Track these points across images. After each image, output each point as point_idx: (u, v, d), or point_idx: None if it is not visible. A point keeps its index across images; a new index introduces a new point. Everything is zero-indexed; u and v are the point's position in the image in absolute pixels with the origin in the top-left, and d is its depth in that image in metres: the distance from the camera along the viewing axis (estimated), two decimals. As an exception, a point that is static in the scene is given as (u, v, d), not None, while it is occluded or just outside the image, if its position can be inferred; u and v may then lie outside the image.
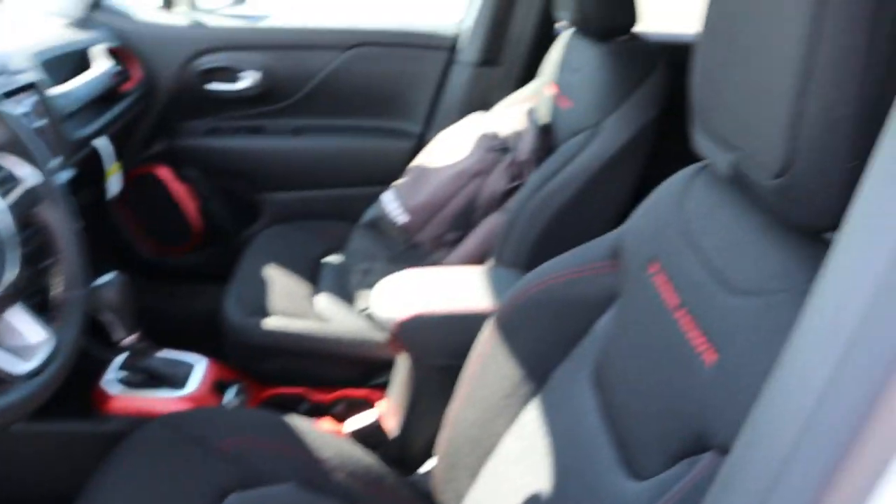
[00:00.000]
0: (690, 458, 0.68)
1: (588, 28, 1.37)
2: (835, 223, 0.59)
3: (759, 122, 0.62)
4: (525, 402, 0.98)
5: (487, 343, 1.02)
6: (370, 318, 1.50)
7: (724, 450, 0.61)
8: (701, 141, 0.78)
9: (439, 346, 1.14)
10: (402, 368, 1.26)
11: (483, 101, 1.89)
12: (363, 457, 1.10)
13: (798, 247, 0.64)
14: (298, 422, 1.11)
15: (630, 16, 1.34)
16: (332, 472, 1.05)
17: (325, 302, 1.53)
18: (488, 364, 1.02)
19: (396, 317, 1.13)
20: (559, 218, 1.27)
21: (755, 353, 0.62)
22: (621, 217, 1.35)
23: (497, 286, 1.20)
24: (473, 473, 1.02)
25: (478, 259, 1.44)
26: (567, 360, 0.95)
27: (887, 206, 0.40)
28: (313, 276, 1.64)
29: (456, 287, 1.20)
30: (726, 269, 0.70)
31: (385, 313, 1.16)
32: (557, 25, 1.92)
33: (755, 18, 0.63)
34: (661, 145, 1.34)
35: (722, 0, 0.70)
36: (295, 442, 1.08)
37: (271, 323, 1.41)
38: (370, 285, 1.50)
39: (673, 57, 1.40)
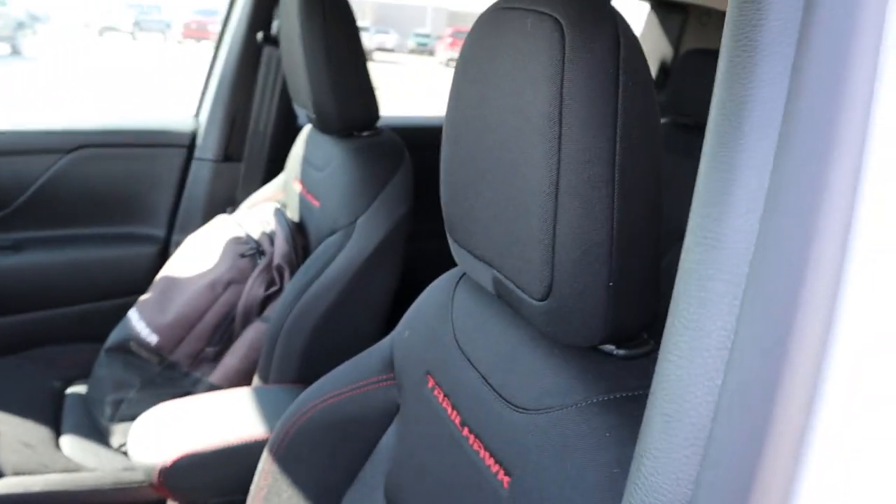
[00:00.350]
0: None
1: (328, 127, 1.37)
2: (602, 338, 0.63)
3: (519, 247, 0.64)
4: None
5: (267, 475, 0.96)
6: (129, 456, 1.34)
7: None
8: (459, 255, 0.79)
9: (212, 486, 1.05)
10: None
11: (227, 198, 1.82)
12: None
13: (571, 360, 0.67)
14: None
15: (372, 111, 1.36)
16: None
17: (72, 444, 1.34)
18: (271, 498, 0.95)
19: (159, 461, 1.02)
20: (325, 323, 1.24)
21: (547, 472, 0.63)
22: (389, 314, 1.35)
23: (268, 409, 1.13)
24: None
25: (243, 373, 1.35)
26: (356, 483, 0.92)
27: (700, 318, 0.42)
28: (55, 414, 1.44)
29: (223, 416, 1.11)
30: (504, 386, 0.71)
31: (146, 458, 1.04)
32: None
33: (501, 147, 0.65)
34: (416, 227, 1.37)
35: (465, 130, 0.72)
36: None
37: (2, 486, 1.20)
38: (125, 418, 1.36)
39: (417, 140, 1.45)
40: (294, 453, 0.95)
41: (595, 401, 0.63)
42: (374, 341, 1.34)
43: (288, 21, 1.33)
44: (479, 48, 0.69)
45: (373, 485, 0.91)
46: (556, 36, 0.57)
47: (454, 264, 0.83)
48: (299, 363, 1.24)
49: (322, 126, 1.36)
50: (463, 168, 0.72)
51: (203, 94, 1.85)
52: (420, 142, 1.50)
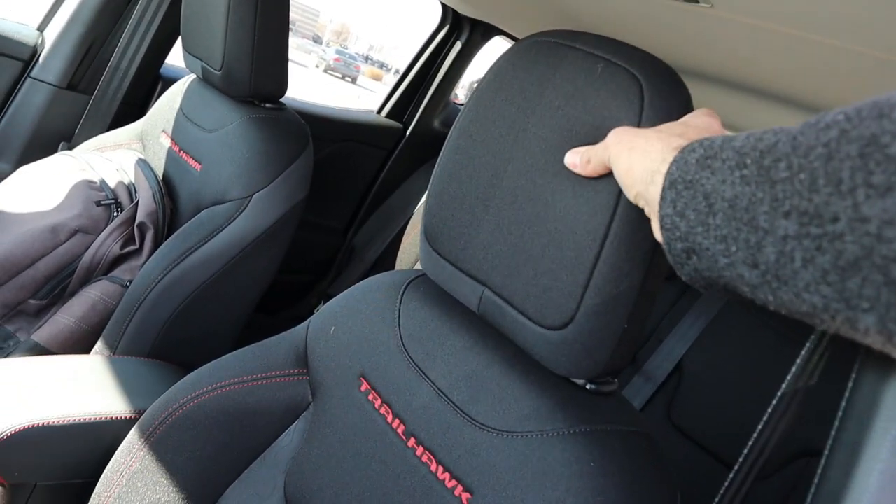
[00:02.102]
0: None
1: (234, 89, 1.25)
2: (599, 373, 0.65)
3: (536, 276, 0.64)
4: None
5: (133, 458, 0.85)
6: None
7: None
8: (436, 266, 0.77)
9: (52, 466, 0.89)
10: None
11: (62, 132, 1.58)
12: None
13: (548, 387, 0.68)
14: None
15: (282, 85, 1.26)
16: None
17: None
18: (135, 484, 0.84)
19: (-6, 431, 0.85)
20: (196, 299, 1.12)
21: (522, 494, 0.63)
22: (262, 298, 1.26)
23: (131, 383, 0.99)
24: None
25: (78, 337, 1.18)
26: (242, 481, 0.85)
27: None
28: None
29: (72, 385, 0.95)
30: (469, 403, 0.70)
31: (-26, 426, 0.86)
32: (166, 67, 1.73)
33: (534, 177, 0.65)
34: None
35: (483, 146, 0.71)
36: None
37: None
38: None
39: (315, 129, 1.37)
40: (173, 440, 0.85)
41: (578, 430, 0.64)
42: (240, 327, 1.24)
43: None
44: (525, 73, 0.68)
45: (264, 484, 0.84)
46: (635, 91, 0.59)
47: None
48: (156, 337, 1.11)
49: (226, 86, 1.24)
50: (471, 182, 0.71)
51: (55, 7, 1.59)
52: (313, 131, 1.43)
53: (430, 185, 0.77)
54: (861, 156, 0.34)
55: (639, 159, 0.52)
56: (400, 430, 0.74)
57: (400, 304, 0.82)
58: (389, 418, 0.75)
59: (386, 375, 0.78)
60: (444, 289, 0.77)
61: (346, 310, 0.86)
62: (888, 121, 0.33)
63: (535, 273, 0.65)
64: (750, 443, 0.51)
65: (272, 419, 0.85)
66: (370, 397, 0.78)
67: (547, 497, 0.62)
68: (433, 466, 0.70)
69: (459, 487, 0.67)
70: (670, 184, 0.47)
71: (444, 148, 0.76)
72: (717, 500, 0.53)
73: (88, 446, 0.91)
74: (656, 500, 0.63)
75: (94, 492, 0.85)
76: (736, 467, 0.52)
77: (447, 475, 0.68)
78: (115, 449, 0.86)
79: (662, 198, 0.47)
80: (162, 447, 0.84)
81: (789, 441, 0.51)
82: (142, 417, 0.87)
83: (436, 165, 0.77)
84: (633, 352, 0.68)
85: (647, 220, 0.60)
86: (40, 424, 0.88)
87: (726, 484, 0.53)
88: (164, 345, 1.11)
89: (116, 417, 0.93)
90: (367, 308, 0.84)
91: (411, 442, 0.73)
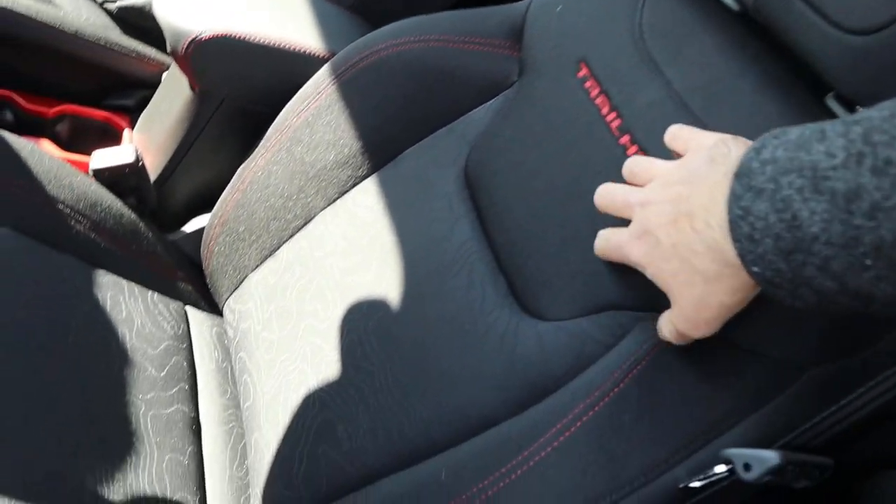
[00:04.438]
0: (617, 312, 0.58)
1: None
2: None
3: None
4: (356, 180, 0.81)
5: (320, 95, 0.81)
6: (116, 15, 1.11)
7: None
8: None
9: (239, 81, 0.87)
10: (171, 95, 0.96)
11: None
12: (113, 203, 0.83)
13: (798, 109, 0.55)
14: (17, 142, 0.78)
15: None
16: (68, 218, 0.77)
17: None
18: (316, 122, 0.80)
19: (194, 30, 0.82)
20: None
21: None
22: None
23: (329, 26, 0.93)
24: (265, 249, 0.83)
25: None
26: (421, 147, 0.78)
27: None
28: None
29: (274, 10, 0.91)
30: (704, 111, 0.59)
31: (177, 21, 0.83)
32: None
33: None
34: None
35: None
36: (13, 169, 0.76)
37: None
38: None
39: None
40: (363, 83, 0.79)
41: None
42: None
43: None
44: None
45: (447, 153, 0.77)
46: None
47: None
48: None
49: None
50: None
51: None
52: None
53: None
54: None
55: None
56: (614, 125, 0.64)
57: None
58: (605, 110, 0.65)
59: (613, 64, 0.66)
60: None
61: None
62: None
63: None
64: None
65: (470, 89, 0.77)
66: (587, 84, 0.68)
67: None
68: None
69: None
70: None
71: None
72: None
73: (278, 75, 0.87)
74: None
75: (277, 118, 0.83)
76: None
77: None
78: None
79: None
80: (351, 88, 0.79)
81: None
82: (336, 55, 0.82)
83: None
84: None
85: None
86: (238, 37, 0.84)
87: None
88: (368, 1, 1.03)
89: (312, 53, 0.88)
90: None
91: (624, 139, 0.62)
